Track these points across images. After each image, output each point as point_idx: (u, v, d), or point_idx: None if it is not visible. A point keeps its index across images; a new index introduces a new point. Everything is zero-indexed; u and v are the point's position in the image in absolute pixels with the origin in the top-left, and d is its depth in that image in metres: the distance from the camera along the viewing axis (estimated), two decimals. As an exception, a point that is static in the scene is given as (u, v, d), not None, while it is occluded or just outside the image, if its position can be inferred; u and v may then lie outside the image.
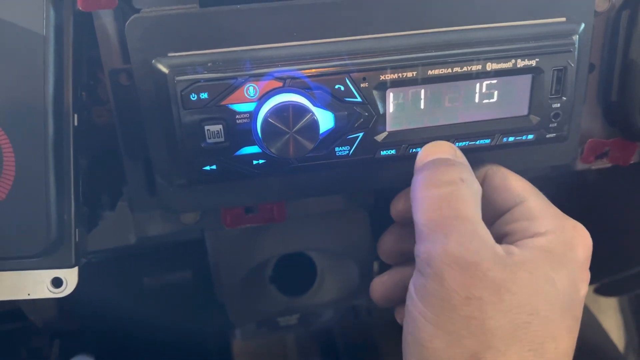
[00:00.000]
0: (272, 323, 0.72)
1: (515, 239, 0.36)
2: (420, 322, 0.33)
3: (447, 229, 0.33)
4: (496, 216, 0.38)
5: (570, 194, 0.73)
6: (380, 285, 0.43)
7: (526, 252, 0.34)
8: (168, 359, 0.68)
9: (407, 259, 0.43)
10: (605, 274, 0.78)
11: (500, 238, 0.37)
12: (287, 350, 0.81)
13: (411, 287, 0.34)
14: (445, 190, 0.34)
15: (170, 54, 0.36)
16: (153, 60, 0.36)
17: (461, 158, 0.37)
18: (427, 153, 0.37)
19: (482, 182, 0.39)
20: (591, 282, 0.85)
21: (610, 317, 1.09)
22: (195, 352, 0.73)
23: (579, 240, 0.36)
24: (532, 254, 0.34)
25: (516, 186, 0.38)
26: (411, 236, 0.42)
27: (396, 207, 0.41)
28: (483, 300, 0.32)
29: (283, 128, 0.35)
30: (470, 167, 0.37)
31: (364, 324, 0.80)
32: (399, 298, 0.42)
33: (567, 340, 0.34)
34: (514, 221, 0.37)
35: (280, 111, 0.35)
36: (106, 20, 0.39)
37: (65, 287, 0.40)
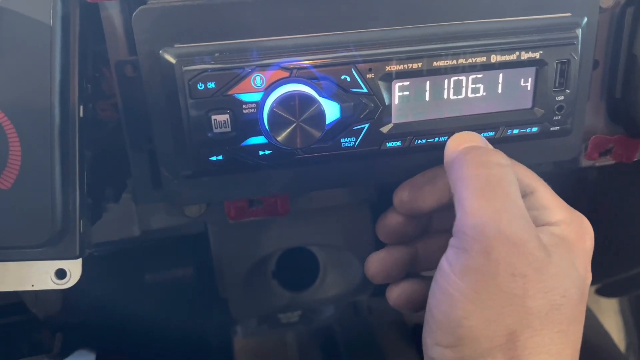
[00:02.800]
0: (273, 320, 0.72)
1: None
2: (457, 299, 0.33)
3: (499, 207, 0.33)
4: None
5: (571, 193, 0.73)
6: (378, 262, 0.43)
7: (550, 239, 0.35)
8: (169, 354, 0.68)
9: (408, 239, 0.44)
10: (606, 274, 0.78)
11: None
12: (287, 347, 0.81)
13: (445, 265, 0.34)
14: (496, 171, 0.35)
15: (177, 45, 0.36)
16: (160, 51, 0.36)
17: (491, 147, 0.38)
18: (460, 140, 0.38)
19: None
20: (592, 283, 0.85)
21: (611, 318, 1.09)
22: (196, 348, 0.73)
23: (586, 231, 0.37)
24: (554, 240, 0.35)
25: (525, 176, 0.38)
26: (413, 220, 0.43)
27: (400, 197, 0.41)
28: (527, 278, 0.33)
29: (289, 117, 0.35)
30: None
31: (365, 322, 0.80)
32: (395, 276, 0.43)
33: (581, 324, 0.35)
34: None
35: (286, 100, 0.35)
36: (112, 11, 0.39)
37: (69, 279, 0.40)
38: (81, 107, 0.38)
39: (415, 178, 0.42)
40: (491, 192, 0.34)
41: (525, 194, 0.38)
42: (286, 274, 0.62)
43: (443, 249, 0.35)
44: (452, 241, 0.35)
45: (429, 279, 0.37)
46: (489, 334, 0.33)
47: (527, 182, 0.38)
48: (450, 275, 0.34)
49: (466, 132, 0.39)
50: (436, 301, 0.34)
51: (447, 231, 0.38)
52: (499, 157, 0.36)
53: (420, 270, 0.45)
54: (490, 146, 0.38)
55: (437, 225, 0.45)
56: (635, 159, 0.50)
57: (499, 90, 0.40)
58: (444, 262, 0.34)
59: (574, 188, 0.70)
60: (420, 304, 0.42)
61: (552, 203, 0.37)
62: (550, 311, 0.33)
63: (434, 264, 0.36)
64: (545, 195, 0.38)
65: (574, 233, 0.36)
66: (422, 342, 0.36)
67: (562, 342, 0.34)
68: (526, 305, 0.33)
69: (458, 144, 0.38)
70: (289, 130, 0.35)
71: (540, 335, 0.33)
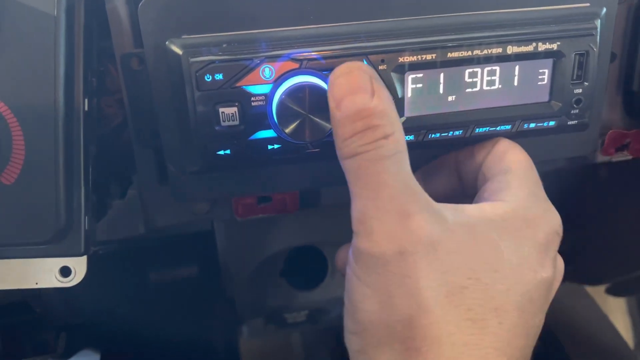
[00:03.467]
0: (280, 320, 0.71)
1: (478, 201, 0.35)
2: (354, 282, 0.32)
3: (378, 186, 0.31)
4: (485, 181, 0.38)
5: (584, 190, 0.72)
6: (345, 254, 0.43)
7: (475, 214, 0.33)
8: (174, 354, 0.67)
9: None
10: (615, 274, 0.78)
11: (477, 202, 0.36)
12: (294, 347, 0.80)
13: (350, 250, 0.33)
14: (370, 155, 0.31)
15: (184, 36, 0.35)
16: (167, 42, 0.35)
17: (380, 96, 0.32)
18: (342, 91, 0.32)
19: (492, 149, 0.38)
20: (601, 283, 0.84)
21: (620, 318, 1.08)
22: (202, 348, 0.72)
23: (542, 222, 0.34)
24: (481, 217, 0.33)
25: (511, 159, 0.36)
26: None
27: None
28: (417, 255, 0.30)
29: (299, 109, 0.34)
30: (391, 108, 0.32)
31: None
32: None
33: (515, 319, 0.31)
34: (489, 187, 0.36)
35: (296, 92, 0.34)
36: (118, 2, 0.38)
37: (74, 277, 0.39)
38: (86, 101, 0.38)
39: (427, 166, 0.41)
40: (367, 175, 0.32)
41: (500, 173, 0.36)
42: (294, 273, 0.61)
43: None
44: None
45: None
46: (385, 319, 0.31)
47: (507, 164, 0.36)
48: (350, 259, 0.33)
49: (350, 71, 0.33)
50: (345, 287, 0.33)
51: None
52: (376, 134, 0.31)
53: None
54: (378, 89, 0.32)
55: None
56: (652, 155, 0.49)
57: (515, 83, 0.39)
58: (350, 248, 0.33)
59: (585, 187, 0.70)
60: None
61: (517, 186, 0.35)
62: (452, 294, 0.30)
63: None
64: (517, 178, 0.35)
65: (520, 219, 0.33)
66: None
67: (473, 332, 0.30)
68: (420, 287, 0.30)
69: (341, 94, 0.32)
70: (297, 122, 0.34)
71: (442, 322, 0.30)
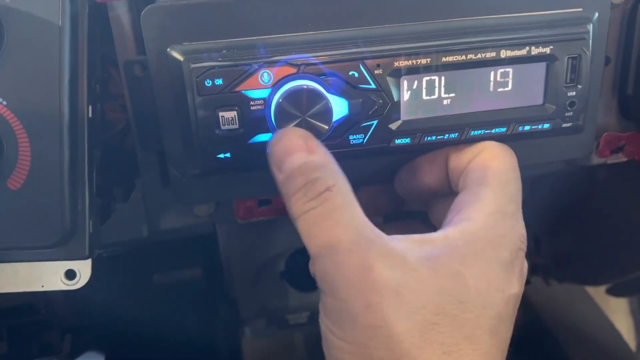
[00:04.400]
0: (282, 321, 0.72)
1: (446, 223, 0.35)
2: (329, 337, 0.32)
3: (331, 242, 0.31)
4: (462, 188, 0.37)
5: (582, 191, 0.73)
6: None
7: (438, 244, 0.33)
8: (177, 355, 0.68)
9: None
10: (616, 274, 0.78)
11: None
12: (296, 348, 0.81)
13: (320, 307, 0.33)
14: (317, 211, 0.32)
15: (185, 43, 0.36)
16: (168, 49, 0.36)
17: (317, 152, 0.33)
18: (279, 155, 0.33)
19: (478, 154, 0.38)
20: (602, 283, 0.84)
21: (621, 318, 1.08)
22: (205, 349, 0.73)
23: (506, 241, 0.34)
24: (444, 247, 0.33)
25: (491, 170, 0.36)
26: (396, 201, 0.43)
27: (400, 175, 0.41)
28: (384, 304, 0.30)
29: (296, 112, 0.35)
30: (329, 161, 0.33)
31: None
32: None
33: (488, 341, 0.32)
34: (461, 199, 0.36)
35: (294, 95, 0.35)
36: (120, 11, 0.39)
37: (79, 279, 0.40)
38: (90, 107, 0.38)
39: (419, 158, 0.41)
40: (320, 232, 0.31)
41: (475, 185, 0.36)
42: (296, 274, 0.61)
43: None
44: None
45: None
46: None
47: (483, 173, 0.36)
48: (322, 315, 0.33)
49: (283, 138, 0.34)
50: (322, 338, 0.33)
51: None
52: (318, 188, 0.32)
53: None
54: (313, 148, 0.33)
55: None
56: (648, 156, 0.49)
57: (510, 86, 0.39)
58: (320, 305, 0.33)
59: (583, 187, 0.70)
60: None
61: (485, 201, 0.35)
62: (425, 333, 0.30)
63: None
64: (489, 191, 0.35)
65: (483, 239, 0.33)
66: None
67: None
68: (393, 334, 0.30)
69: (280, 157, 0.33)
70: (294, 124, 0.35)
71: None
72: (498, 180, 0.36)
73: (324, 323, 0.33)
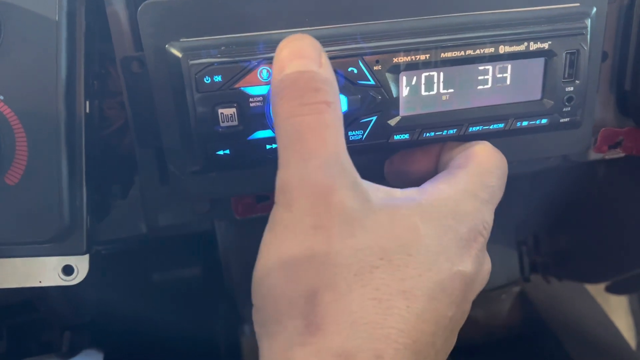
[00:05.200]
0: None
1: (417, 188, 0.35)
2: (262, 255, 0.31)
3: (307, 156, 0.30)
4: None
5: (581, 188, 0.73)
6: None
7: (402, 197, 0.32)
8: (177, 353, 0.68)
9: None
10: (616, 272, 0.78)
11: None
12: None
13: (269, 219, 0.32)
14: (308, 118, 0.30)
15: (183, 39, 0.36)
16: (166, 45, 0.36)
17: (326, 68, 0.32)
18: (289, 55, 0.32)
19: (469, 147, 0.38)
20: (602, 280, 0.84)
21: (621, 316, 1.08)
22: (204, 347, 0.73)
23: (468, 219, 0.33)
24: (408, 200, 0.32)
25: (474, 158, 0.36)
26: None
27: (390, 159, 0.41)
28: (332, 231, 0.29)
29: None
30: (334, 77, 0.32)
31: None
32: None
33: (424, 305, 0.30)
34: (438, 176, 0.36)
35: None
36: (118, 7, 0.39)
37: (77, 275, 0.40)
38: (87, 103, 0.38)
39: (414, 148, 0.41)
40: (300, 142, 0.30)
41: (453, 166, 0.36)
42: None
43: None
44: None
45: None
46: (289, 294, 0.29)
47: (463, 160, 0.36)
48: (266, 230, 0.31)
49: (298, 40, 0.32)
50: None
51: None
52: (317, 97, 0.31)
53: None
54: (325, 64, 0.32)
55: None
56: (646, 152, 0.49)
57: (508, 82, 0.39)
58: (269, 218, 0.32)
59: (582, 184, 0.70)
60: None
61: (460, 180, 0.34)
62: (361, 273, 0.29)
63: None
64: (464, 172, 0.35)
65: (450, 212, 0.32)
66: None
67: (378, 312, 0.29)
68: (329, 262, 0.29)
69: (288, 58, 0.32)
70: None
71: (346, 300, 0.28)
72: (478, 169, 0.35)
73: (264, 238, 0.31)
